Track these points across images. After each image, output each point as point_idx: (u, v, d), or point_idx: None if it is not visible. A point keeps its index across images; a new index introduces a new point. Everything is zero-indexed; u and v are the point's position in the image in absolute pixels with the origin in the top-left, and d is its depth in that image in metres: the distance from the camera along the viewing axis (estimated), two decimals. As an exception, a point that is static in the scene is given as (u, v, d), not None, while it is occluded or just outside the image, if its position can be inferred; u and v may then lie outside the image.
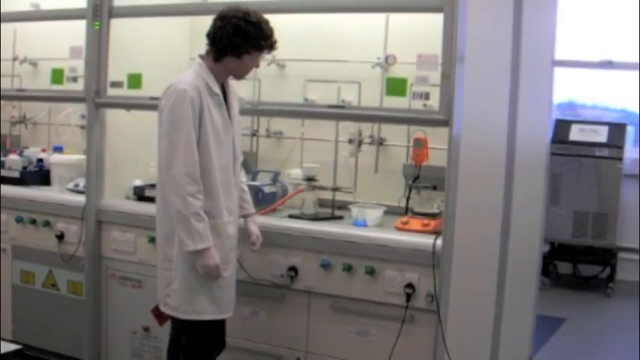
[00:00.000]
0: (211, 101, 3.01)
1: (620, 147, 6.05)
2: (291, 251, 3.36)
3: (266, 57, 3.99)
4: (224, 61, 3.04)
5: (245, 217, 3.30)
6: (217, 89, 3.04)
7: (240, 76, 3.13)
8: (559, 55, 4.48)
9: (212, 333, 3.14)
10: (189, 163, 2.91)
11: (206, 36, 3.07)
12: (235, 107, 3.17)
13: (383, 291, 3.21)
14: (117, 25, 3.80)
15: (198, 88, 2.96)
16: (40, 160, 4.41)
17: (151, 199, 3.54)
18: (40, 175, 4.35)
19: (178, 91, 2.94)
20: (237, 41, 2.98)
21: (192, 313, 3.05)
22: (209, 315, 3.07)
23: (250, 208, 3.32)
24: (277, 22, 3.72)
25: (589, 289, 6.20)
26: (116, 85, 3.85)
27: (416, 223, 3.30)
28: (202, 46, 4.33)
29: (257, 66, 3.13)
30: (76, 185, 4.12)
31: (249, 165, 4.08)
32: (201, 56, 3.11)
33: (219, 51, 3.02)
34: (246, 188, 3.33)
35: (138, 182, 3.99)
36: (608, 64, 6.27)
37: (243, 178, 3.36)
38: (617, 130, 6.15)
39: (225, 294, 3.11)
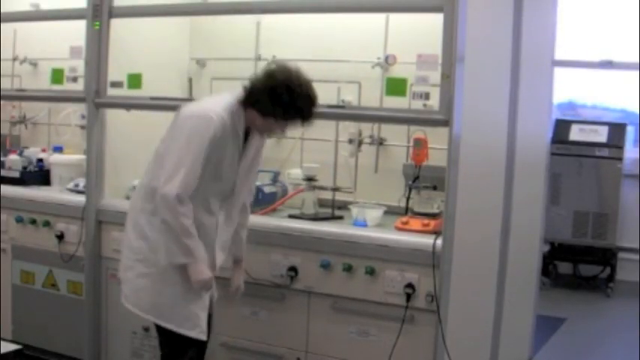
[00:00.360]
0: (231, 139, 2.91)
1: (620, 147, 6.05)
2: (291, 251, 3.36)
3: (266, 57, 4.02)
4: (248, 110, 2.92)
5: (234, 261, 3.21)
6: (241, 131, 2.94)
7: (260, 132, 3.02)
8: (559, 55, 4.48)
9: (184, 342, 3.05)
10: (186, 188, 2.82)
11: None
12: (252, 152, 3.05)
13: (383, 291, 3.21)
14: (117, 25, 3.79)
15: (225, 122, 2.85)
16: (40, 160, 4.41)
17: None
18: (40, 175, 4.35)
19: (206, 118, 2.83)
20: (265, 101, 2.86)
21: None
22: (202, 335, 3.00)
23: (238, 253, 3.20)
24: (277, 22, 3.74)
25: (589, 289, 6.20)
26: (116, 85, 3.85)
27: (416, 223, 3.30)
28: (202, 46, 4.36)
29: (282, 132, 3.04)
30: (76, 185, 4.12)
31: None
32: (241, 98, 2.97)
33: (246, 99, 2.91)
34: (243, 235, 3.20)
35: (138, 182, 3.99)
36: (608, 64, 6.27)
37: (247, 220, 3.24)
38: (617, 130, 6.15)
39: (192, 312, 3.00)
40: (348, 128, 3.81)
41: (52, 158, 4.38)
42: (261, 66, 3.94)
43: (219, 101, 2.94)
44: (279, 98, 2.84)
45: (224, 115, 2.86)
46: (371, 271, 3.21)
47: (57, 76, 4.31)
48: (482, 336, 3.59)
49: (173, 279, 2.94)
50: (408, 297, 3.14)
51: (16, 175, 4.30)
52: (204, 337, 3.01)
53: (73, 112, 4.53)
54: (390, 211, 3.56)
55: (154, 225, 2.94)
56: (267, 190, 3.74)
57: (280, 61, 2.98)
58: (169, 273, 2.94)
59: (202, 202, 2.93)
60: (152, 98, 3.75)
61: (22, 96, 4.54)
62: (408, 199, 3.54)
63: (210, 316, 3.14)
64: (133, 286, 3.02)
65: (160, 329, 3.03)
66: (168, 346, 3.04)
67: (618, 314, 5.71)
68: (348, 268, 3.25)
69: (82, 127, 4.36)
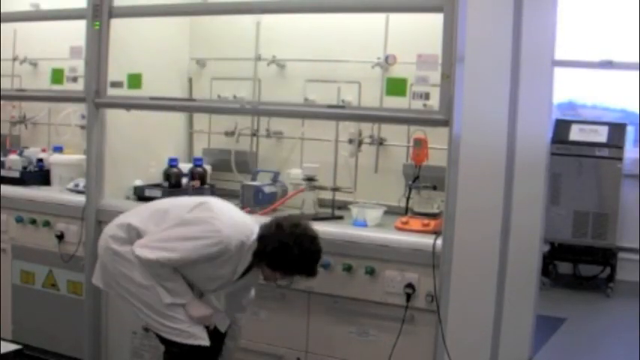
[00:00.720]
0: (229, 264, 2.95)
1: (620, 147, 6.05)
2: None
3: (266, 57, 4.02)
4: (258, 262, 2.99)
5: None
6: (243, 267, 2.98)
7: (266, 279, 3.06)
8: (559, 55, 4.48)
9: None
10: (165, 263, 2.89)
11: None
12: (249, 277, 3.09)
13: (383, 291, 3.21)
14: (117, 25, 3.79)
15: (233, 252, 2.90)
16: (40, 160, 4.41)
17: (151, 199, 3.54)
18: (40, 175, 4.35)
19: (218, 241, 2.87)
20: (273, 254, 2.93)
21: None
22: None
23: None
24: (278, 22, 3.74)
25: (589, 289, 6.20)
26: (116, 85, 3.85)
27: (416, 223, 3.30)
28: (202, 46, 4.36)
29: (287, 286, 3.08)
30: (76, 185, 4.12)
31: (249, 165, 4.08)
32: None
33: (259, 252, 2.96)
34: (237, 328, 3.28)
35: (138, 182, 3.99)
36: (608, 64, 6.27)
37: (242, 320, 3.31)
38: (617, 130, 6.15)
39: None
40: (348, 128, 3.81)
41: (52, 158, 4.38)
42: (261, 66, 3.97)
43: (243, 229, 2.95)
44: (288, 257, 2.92)
45: (238, 239, 2.89)
46: (371, 271, 3.21)
47: (57, 76, 4.31)
48: (482, 336, 3.59)
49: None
50: (408, 297, 3.14)
51: (16, 175, 4.30)
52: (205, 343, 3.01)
53: (73, 112, 4.53)
54: (390, 211, 3.55)
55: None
56: (267, 190, 3.74)
57: (291, 218, 3.05)
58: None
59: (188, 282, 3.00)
60: (152, 98, 3.75)
61: (22, 96, 4.54)
62: (408, 199, 3.54)
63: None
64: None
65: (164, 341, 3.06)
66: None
67: (618, 314, 5.70)
68: (348, 268, 3.25)
69: (82, 127, 4.36)
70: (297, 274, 2.99)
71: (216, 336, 3.13)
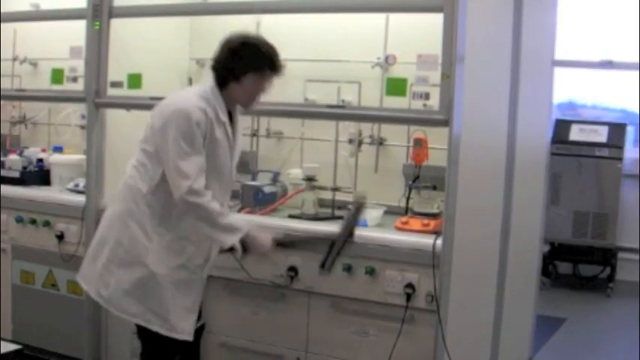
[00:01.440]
0: (218, 129, 2.94)
1: (620, 147, 6.05)
2: (291, 251, 3.35)
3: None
4: (228, 88, 2.97)
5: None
6: (225, 117, 2.97)
7: (245, 103, 3.05)
8: (559, 55, 4.48)
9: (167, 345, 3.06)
10: (196, 180, 2.85)
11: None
12: (239, 139, 3.11)
13: (383, 291, 3.21)
14: (117, 25, 3.79)
15: (205, 112, 2.89)
16: (40, 160, 4.41)
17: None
18: (40, 175, 4.35)
19: (188, 113, 2.86)
20: (233, 64, 2.94)
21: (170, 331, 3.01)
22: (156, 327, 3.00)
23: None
24: (278, 22, 3.73)
25: (589, 289, 6.20)
26: (116, 85, 3.85)
27: (416, 223, 3.30)
28: (202, 46, 4.35)
29: (263, 91, 3.04)
30: (76, 185, 4.12)
31: (249, 165, 4.08)
32: (214, 81, 3.01)
33: (220, 77, 2.97)
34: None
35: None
36: (608, 64, 6.27)
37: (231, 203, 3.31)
38: (617, 130, 6.15)
39: (173, 317, 3.00)
40: (348, 128, 3.81)
41: (52, 158, 4.39)
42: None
43: (186, 94, 3.01)
44: (242, 54, 2.94)
45: (198, 103, 2.90)
46: (371, 271, 3.21)
47: (57, 76, 4.32)
48: (482, 336, 3.59)
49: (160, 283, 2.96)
50: (408, 297, 3.14)
51: (16, 175, 4.30)
52: (190, 338, 3.02)
53: (73, 112, 4.53)
54: (390, 211, 3.56)
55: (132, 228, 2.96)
56: (267, 190, 3.74)
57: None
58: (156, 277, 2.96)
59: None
60: (152, 98, 3.74)
61: (22, 96, 4.54)
62: (408, 199, 3.54)
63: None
64: (116, 290, 3.01)
65: (143, 334, 3.05)
66: (154, 351, 3.06)
67: (618, 314, 5.70)
68: (348, 268, 3.25)
69: (82, 127, 4.36)
70: (262, 68, 2.95)
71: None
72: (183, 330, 2.99)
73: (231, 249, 2.96)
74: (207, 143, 2.90)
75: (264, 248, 3.01)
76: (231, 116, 3.04)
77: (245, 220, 3.12)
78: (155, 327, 2.98)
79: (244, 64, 2.94)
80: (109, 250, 2.99)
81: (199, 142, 2.87)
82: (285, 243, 3.13)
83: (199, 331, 3.18)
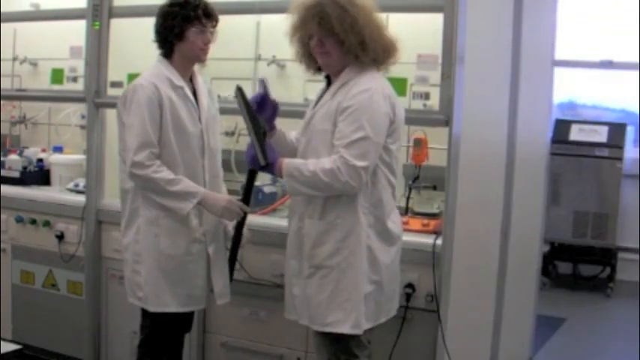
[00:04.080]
0: (174, 94, 2.99)
1: (620, 147, 6.04)
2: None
3: (266, 57, 4.02)
4: (175, 50, 3.04)
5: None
6: (180, 82, 3.02)
7: (198, 58, 3.08)
8: (559, 55, 4.48)
9: (173, 328, 3.11)
10: (141, 150, 2.90)
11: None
12: (205, 100, 3.12)
13: (383, 291, 3.20)
14: (117, 25, 3.79)
15: (154, 83, 2.96)
16: (40, 160, 4.41)
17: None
18: (40, 175, 4.35)
19: (135, 87, 2.97)
20: (169, 24, 2.99)
21: (157, 306, 3.02)
22: (173, 307, 3.03)
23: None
24: (278, 21, 3.73)
25: (589, 289, 6.20)
26: (116, 85, 3.85)
27: (416, 223, 3.30)
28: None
29: (209, 41, 3.06)
30: (76, 185, 4.12)
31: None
32: (161, 54, 3.09)
33: (163, 43, 3.04)
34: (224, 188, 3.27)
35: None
36: (608, 64, 6.28)
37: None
38: (617, 130, 6.14)
39: (185, 290, 3.05)
40: (348, 128, 3.80)
41: (52, 158, 4.38)
42: (261, 66, 3.97)
43: (144, 73, 3.06)
44: (173, 12, 2.99)
45: (150, 77, 2.98)
46: (371, 271, 3.21)
47: (57, 76, 4.32)
48: (483, 336, 3.59)
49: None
50: (408, 297, 3.14)
51: (16, 175, 4.29)
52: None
53: (73, 112, 4.53)
54: (390, 211, 3.55)
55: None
56: (267, 190, 3.73)
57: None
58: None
59: (183, 162, 3.00)
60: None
61: (22, 96, 4.54)
62: (408, 199, 3.54)
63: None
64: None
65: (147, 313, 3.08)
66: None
67: (618, 314, 5.70)
68: (348, 268, 3.25)
69: (82, 127, 4.36)
70: (198, 17, 2.98)
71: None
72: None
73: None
74: (164, 112, 2.95)
75: (219, 205, 2.96)
76: (192, 84, 3.10)
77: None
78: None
79: (180, 19, 2.98)
80: None
81: (145, 114, 2.91)
82: (242, 197, 3.01)
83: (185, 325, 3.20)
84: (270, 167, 2.75)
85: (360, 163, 2.61)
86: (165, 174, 2.91)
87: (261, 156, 2.74)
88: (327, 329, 2.75)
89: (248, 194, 2.98)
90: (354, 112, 2.65)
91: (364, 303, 2.73)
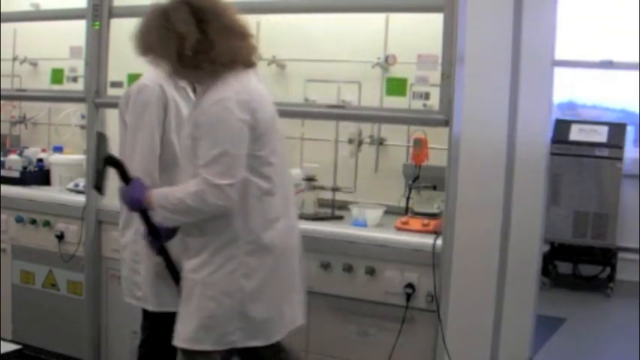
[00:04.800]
0: (177, 95, 3.00)
1: (620, 147, 6.04)
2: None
3: (266, 57, 4.02)
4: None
5: None
6: (183, 82, 3.03)
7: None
8: (559, 55, 4.48)
9: (173, 328, 3.09)
10: (148, 160, 2.91)
11: None
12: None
13: (383, 291, 3.21)
14: (117, 25, 3.79)
15: (160, 83, 2.95)
16: (40, 160, 4.41)
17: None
18: (40, 175, 4.35)
19: (140, 87, 2.97)
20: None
21: (157, 305, 3.02)
22: (173, 307, 2.95)
23: None
24: (277, 22, 3.73)
25: (589, 289, 6.20)
26: (116, 85, 3.85)
27: (416, 223, 3.30)
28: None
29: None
30: (76, 185, 4.12)
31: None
32: None
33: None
34: None
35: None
36: (608, 64, 6.28)
37: None
38: (617, 130, 6.14)
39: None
40: (348, 128, 3.81)
41: (52, 158, 4.38)
42: (261, 66, 3.96)
43: (148, 73, 3.01)
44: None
45: (155, 77, 2.94)
46: (371, 271, 3.21)
47: (57, 76, 4.31)
48: (483, 336, 3.59)
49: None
50: (408, 297, 3.14)
51: (16, 175, 4.29)
52: None
53: (73, 112, 4.53)
54: (390, 211, 3.55)
55: None
56: (267, 190, 3.73)
57: None
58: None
59: (186, 165, 2.92)
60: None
61: (22, 96, 4.54)
62: (408, 199, 3.54)
63: None
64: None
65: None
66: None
67: (618, 314, 5.71)
68: (348, 268, 3.25)
69: (82, 127, 4.36)
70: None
71: None
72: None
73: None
74: (169, 113, 2.95)
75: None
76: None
77: None
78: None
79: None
80: None
81: (154, 124, 2.92)
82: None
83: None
84: (141, 203, 2.67)
85: (224, 181, 2.46)
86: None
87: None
88: (181, 345, 2.64)
89: (154, 231, 2.79)
90: (207, 127, 2.51)
91: (228, 320, 2.59)
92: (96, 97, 3.79)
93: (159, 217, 2.63)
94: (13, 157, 4.40)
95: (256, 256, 2.61)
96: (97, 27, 3.76)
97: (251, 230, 2.60)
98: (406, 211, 3.51)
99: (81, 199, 3.89)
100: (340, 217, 3.58)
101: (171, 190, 2.63)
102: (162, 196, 2.61)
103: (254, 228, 2.60)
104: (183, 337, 2.64)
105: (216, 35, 2.55)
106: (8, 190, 4.14)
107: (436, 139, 3.39)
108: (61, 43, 4.17)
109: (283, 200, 2.70)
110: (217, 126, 2.50)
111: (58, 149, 4.50)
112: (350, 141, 3.82)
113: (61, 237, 3.96)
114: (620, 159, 6.02)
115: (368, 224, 3.41)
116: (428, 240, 3.12)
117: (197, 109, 2.60)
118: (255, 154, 2.56)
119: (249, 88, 2.59)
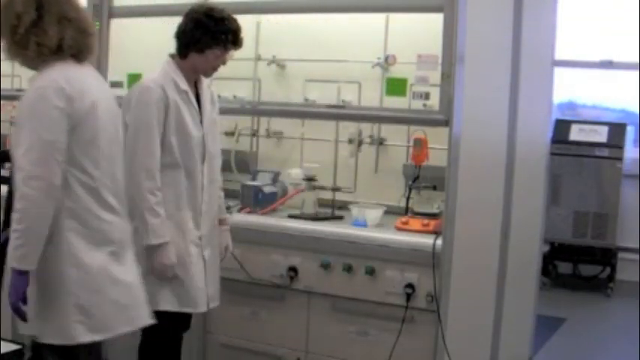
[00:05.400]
0: (178, 97, 3.01)
1: (620, 147, 6.04)
2: (291, 251, 3.36)
3: (266, 57, 4.02)
4: (189, 57, 3.04)
5: (219, 221, 3.23)
6: (185, 86, 3.03)
7: (206, 73, 3.11)
8: (559, 55, 4.48)
9: (170, 327, 3.09)
10: (149, 160, 2.91)
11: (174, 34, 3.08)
12: (208, 106, 3.14)
13: (383, 291, 3.21)
14: (117, 25, 3.79)
15: (162, 85, 2.97)
16: (40, 160, 4.39)
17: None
18: (40, 175, 4.34)
19: (142, 88, 2.98)
20: (198, 35, 2.99)
21: (152, 305, 2.97)
22: (168, 306, 3.01)
23: (222, 213, 3.27)
24: (277, 22, 3.74)
25: (589, 289, 6.20)
26: (116, 85, 3.85)
27: (416, 223, 3.30)
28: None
29: (223, 63, 3.09)
30: (76, 185, 4.10)
31: (249, 165, 4.08)
32: (171, 55, 3.10)
33: (182, 46, 3.04)
34: (221, 193, 3.27)
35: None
36: (608, 64, 6.28)
37: (219, 182, 3.27)
38: (617, 130, 6.14)
39: (185, 290, 3.03)
40: (348, 128, 3.81)
41: (52, 158, 4.37)
42: (261, 66, 3.97)
43: (151, 73, 3.07)
44: (207, 27, 2.99)
45: (158, 78, 2.99)
46: (371, 271, 3.21)
47: (57, 76, 4.29)
48: (483, 336, 3.59)
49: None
50: (408, 297, 3.14)
51: (16, 175, 4.28)
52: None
53: (73, 112, 4.52)
54: (390, 211, 3.55)
55: None
56: (267, 190, 3.73)
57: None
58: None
59: (184, 165, 3.01)
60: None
61: (22, 96, 4.52)
62: (408, 199, 3.54)
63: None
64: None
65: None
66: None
67: (618, 314, 5.71)
68: (348, 268, 3.25)
69: (82, 127, 4.35)
70: (226, 42, 3.00)
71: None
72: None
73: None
74: (169, 115, 2.96)
75: (165, 262, 2.96)
76: (196, 87, 3.11)
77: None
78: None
79: (208, 37, 2.99)
80: None
81: (156, 115, 2.94)
82: None
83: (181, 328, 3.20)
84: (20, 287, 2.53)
85: (38, 171, 2.36)
86: (153, 200, 2.91)
87: None
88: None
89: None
90: (24, 116, 2.47)
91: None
92: (96, 97, 3.79)
93: (20, 256, 2.41)
94: (13, 157, 4.39)
95: (90, 245, 2.52)
96: (97, 27, 3.76)
97: (81, 220, 2.49)
98: (406, 211, 3.51)
99: (81, 199, 3.88)
100: (340, 217, 3.58)
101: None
102: (10, 247, 2.42)
103: (84, 217, 2.50)
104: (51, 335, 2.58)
105: (50, 20, 2.51)
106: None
107: (436, 139, 3.39)
108: (61, 43, 4.16)
109: (113, 196, 2.60)
110: (31, 116, 2.45)
111: (58, 149, 4.49)
112: (350, 141, 3.82)
113: (61, 237, 3.94)
114: (620, 159, 6.02)
115: (368, 224, 3.41)
116: (428, 240, 3.12)
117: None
118: (72, 145, 2.46)
119: (71, 78, 2.50)
